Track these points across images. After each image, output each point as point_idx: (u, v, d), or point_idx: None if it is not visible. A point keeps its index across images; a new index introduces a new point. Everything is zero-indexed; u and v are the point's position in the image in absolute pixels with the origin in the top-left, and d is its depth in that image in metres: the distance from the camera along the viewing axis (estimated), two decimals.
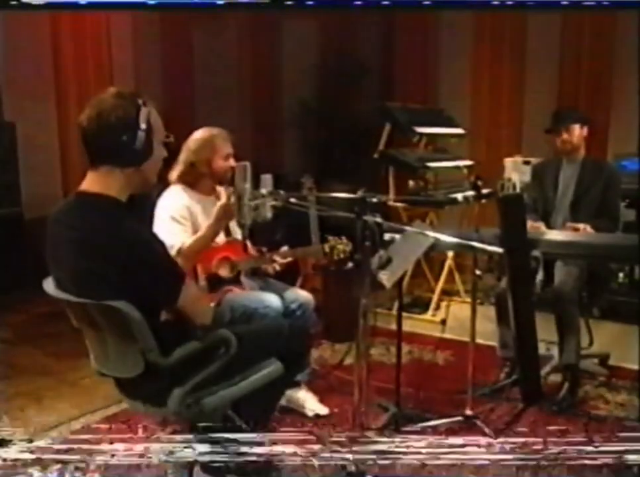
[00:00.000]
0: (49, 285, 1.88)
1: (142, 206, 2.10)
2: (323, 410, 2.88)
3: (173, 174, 2.84)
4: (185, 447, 2.00)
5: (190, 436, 2.01)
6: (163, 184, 2.84)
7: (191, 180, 2.83)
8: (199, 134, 2.86)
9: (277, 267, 2.91)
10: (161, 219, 2.70)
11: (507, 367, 3.20)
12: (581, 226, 3.13)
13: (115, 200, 1.79)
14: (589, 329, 3.30)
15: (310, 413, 2.85)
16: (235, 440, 1.95)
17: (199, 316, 1.91)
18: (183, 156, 2.83)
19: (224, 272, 2.74)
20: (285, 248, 2.94)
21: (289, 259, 2.96)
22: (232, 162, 2.79)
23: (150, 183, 1.89)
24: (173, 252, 2.42)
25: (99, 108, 1.74)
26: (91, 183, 1.81)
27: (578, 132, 3.29)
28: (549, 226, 3.29)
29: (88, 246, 1.73)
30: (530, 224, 3.15)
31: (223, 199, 2.60)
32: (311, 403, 2.88)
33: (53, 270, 1.87)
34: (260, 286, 2.91)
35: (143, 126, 1.75)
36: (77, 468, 2.15)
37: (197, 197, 2.82)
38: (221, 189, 2.83)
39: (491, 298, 4.40)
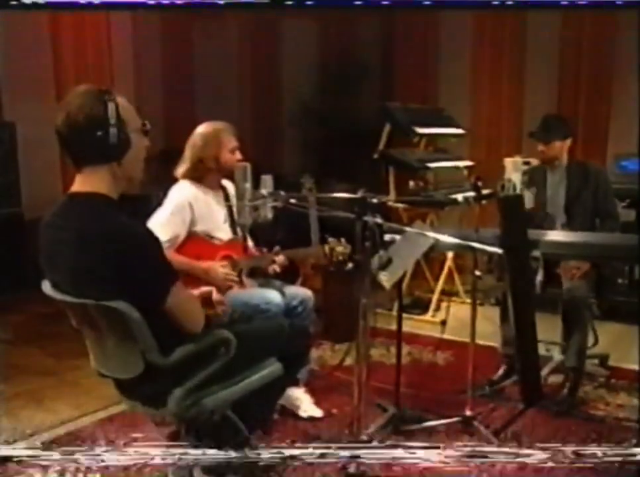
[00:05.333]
0: (47, 287, 1.87)
1: (136, 204, 2.09)
2: (318, 413, 2.85)
3: (180, 170, 2.85)
4: (185, 448, 2.01)
5: (190, 437, 2.01)
6: (171, 180, 2.88)
7: (198, 176, 2.83)
8: (203, 130, 2.85)
9: (277, 269, 2.91)
10: (161, 211, 2.73)
11: (506, 365, 3.20)
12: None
13: (106, 198, 1.79)
14: (593, 330, 3.29)
15: (304, 414, 2.83)
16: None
17: (187, 322, 1.85)
18: (189, 153, 2.84)
19: (226, 269, 2.75)
20: (277, 248, 2.93)
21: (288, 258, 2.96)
22: (238, 155, 2.81)
23: (137, 175, 1.87)
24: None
25: (67, 110, 1.74)
26: (80, 184, 1.81)
27: (557, 146, 3.28)
28: None
29: (82, 246, 1.73)
30: None
31: (223, 271, 2.69)
32: (306, 405, 2.86)
33: (49, 273, 1.86)
34: (260, 284, 2.93)
35: (113, 120, 1.73)
36: (77, 469, 2.15)
37: (203, 191, 2.83)
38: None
39: (491, 298, 4.41)
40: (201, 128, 2.86)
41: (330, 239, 2.95)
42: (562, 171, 3.35)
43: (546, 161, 3.36)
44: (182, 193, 2.79)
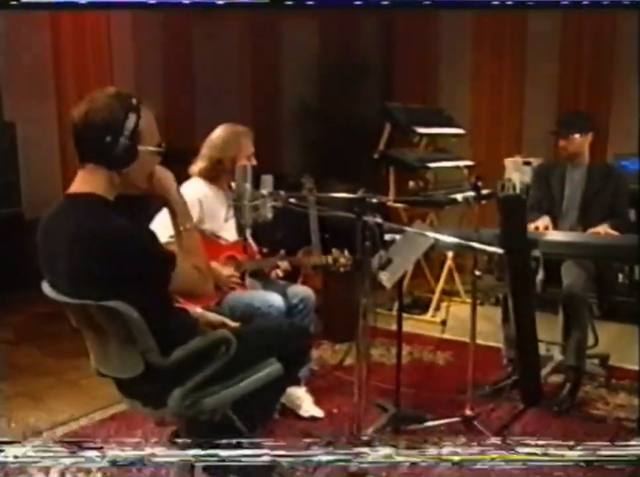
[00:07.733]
0: (46, 287, 1.87)
1: (135, 205, 2.09)
2: (319, 413, 2.85)
3: (195, 168, 2.88)
4: (185, 448, 2.00)
5: (190, 437, 2.01)
6: (185, 176, 2.89)
7: (213, 175, 2.86)
8: (224, 132, 2.87)
9: (280, 274, 2.93)
10: None
11: (510, 368, 3.19)
12: (600, 229, 3.11)
13: (100, 198, 1.79)
14: (593, 330, 3.29)
15: (305, 414, 2.83)
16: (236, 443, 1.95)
17: (197, 289, 1.94)
18: (208, 152, 2.86)
19: (229, 271, 2.75)
20: (282, 253, 2.95)
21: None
22: (254, 161, 2.83)
23: (136, 187, 1.88)
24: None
25: (89, 106, 1.75)
26: (79, 183, 1.82)
27: (578, 141, 3.25)
28: (556, 228, 3.28)
29: (78, 246, 1.73)
30: (534, 222, 3.16)
31: (226, 272, 2.72)
32: (307, 405, 2.86)
33: (47, 274, 1.86)
34: (261, 285, 2.93)
35: (127, 132, 1.74)
36: (77, 468, 2.15)
37: (214, 191, 2.86)
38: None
39: (491, 298, 4.42)
40: (222, 130, 2.88)
41: (334, 250, 2.96)
42: (584, 170, 3.31)
43: (568, 158, 3.31)
44: (193, 189, 2.80)
